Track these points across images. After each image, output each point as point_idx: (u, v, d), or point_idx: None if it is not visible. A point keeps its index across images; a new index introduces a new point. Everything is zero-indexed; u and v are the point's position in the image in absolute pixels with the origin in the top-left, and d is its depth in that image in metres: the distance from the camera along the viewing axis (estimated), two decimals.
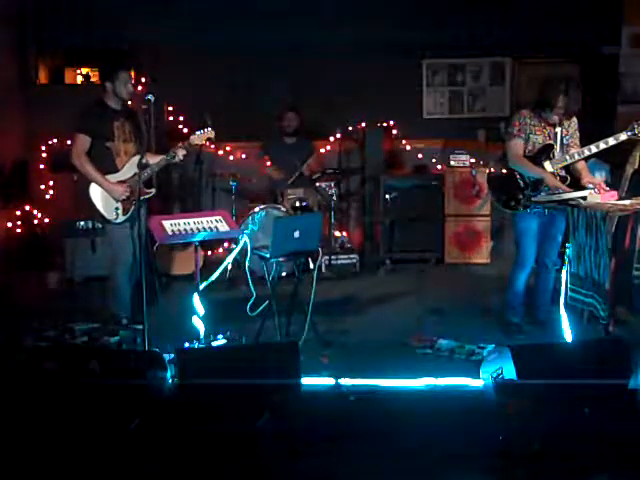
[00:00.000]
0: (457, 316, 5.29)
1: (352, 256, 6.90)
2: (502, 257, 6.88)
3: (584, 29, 7.51)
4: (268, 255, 4.58)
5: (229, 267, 5.77)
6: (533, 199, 4.63)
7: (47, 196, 7.26)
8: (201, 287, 4.50)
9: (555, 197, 4.53)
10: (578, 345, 4.17)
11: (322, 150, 7.61)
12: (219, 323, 4.73)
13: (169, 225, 4.36)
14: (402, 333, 4.83)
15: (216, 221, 4.50)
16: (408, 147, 7.88)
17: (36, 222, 7.15)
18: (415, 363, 4.34)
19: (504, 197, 4.77)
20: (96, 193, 4.88)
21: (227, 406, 3.43)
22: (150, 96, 4.44)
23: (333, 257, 6.81)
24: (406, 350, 4.59)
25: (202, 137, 4.90)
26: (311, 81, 7.42)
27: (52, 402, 3.42)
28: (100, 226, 5.37)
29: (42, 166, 7.31)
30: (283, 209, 6.51)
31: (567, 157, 4.61)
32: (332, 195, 6.91)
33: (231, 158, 7.66)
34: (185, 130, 7.11)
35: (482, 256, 7.17)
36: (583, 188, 4.53)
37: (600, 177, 5.00)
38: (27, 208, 7.14)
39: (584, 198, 4.35)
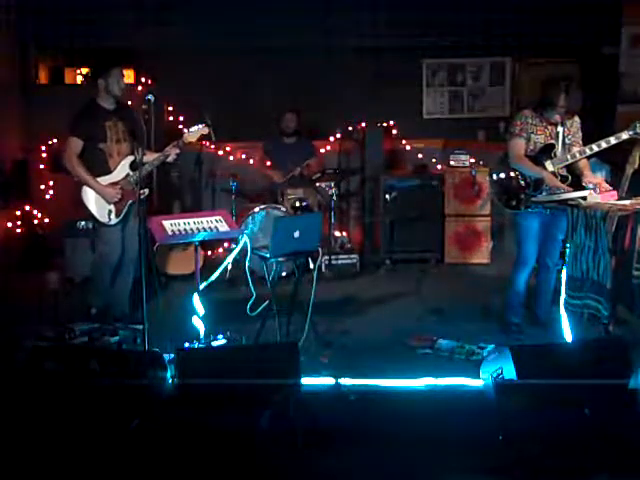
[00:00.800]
0: (457, 316, 5.29)
1: (352, 256, 6.90)
2: (502, 257, 6.87)
3: (584, 29, 7.51)
4: (268, 255, 4.58)
5: (229, 267, 5.78)
6: (533, 199, 4.64)
7: (47, 196, 7.26)
8: (201, 287, 4.50)
9: (555, 197, 4.53)
10: (578, 345, 4.17)
11: (322, 150, 7.61)
12: (219, 323, 4.72)
13: (169, 225, 4.36)
14: (402, 333, 4.83)
15: (216, 221, 4.50)
16: (408, 147, 7.88)
17: (36, 222, 7.15)
18: (415, 363, 4.34)
19: (505, 197, 4.77)
20: (89, 196, 4.90)
21: (227, 406, 3.43)
22: (150, 96, 4.44)
23: (333, 257, 6.81)
24: (406, 350, 4.60)
25: (195, 135, 4.88)
26: (311, 81, 7.42)
27: (52, 402, 3.42)
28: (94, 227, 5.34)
29: (42, 166, 7.31)
30: (283, 209, 6.51)
31: (568, 156, 4.61)
32: (332, 195, 6.91)
33: (231, 158, 7.66)
34: (185, 130, 7.09)
35: (482, 256, 7.16)
36: (584, 188, 4.53)
37: (600, 176, 4.99)
38: (27, 208, 7.14)
39: (584, 198, 4.35)
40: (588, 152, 4.57)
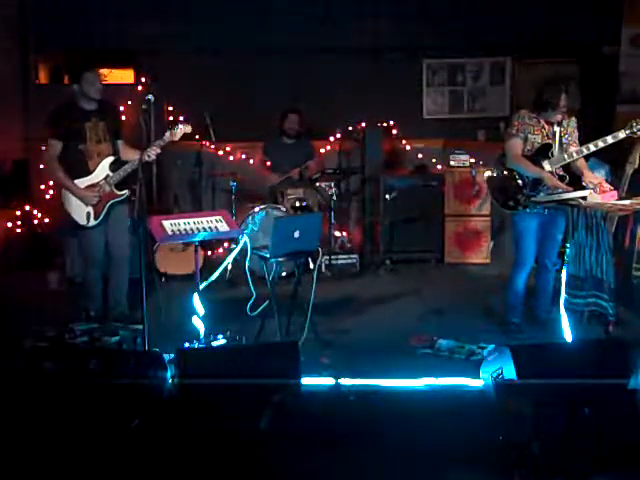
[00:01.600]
0: (457, 316, 5.29)
1: (352, 256, 6.90)
2: (502, 257, 6.88)
3: (584, 29, 7.52)
4: (268, 255, 4.58)
5: (229, 267, 5.78)
6: (533, 199, 4.64)
7: (47, 196, 7.26)
8: (201, 287, 4.50)
9: (555, 197, 4.53)
10: (578, 345, 4.17)
11: (322, 150, 7.62)
12: (219, 323, 4.72)
13: (169, 225, 4.36)
14: (402, 333, 4.83)
15: (216, 221, 4.50)
16: (408, 147, 7.89)
17: (36, 222, 7.15)
18: (415, 363, 4.34)
19: (503, 197, 4.77)
20: (67, 198, 4.90)
21: (227, 406, 3.43)
22: (150, 96, 4.44)
23: (333, 257, 6.81)
24: (406, 350, 4.59)
25: (177, 133, 4.84)
26: (311, 81, 7.43)
27: (52, 402, 3.42)
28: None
29: (42, 166, 7.31)
30: (283, 209, 6.51)
31: (565, 156, 4.61)
32: (332, 195, 6.91)
33: (231, 158, 7.66)
34: (190, 129, 7.10)
35: (482, 256, 7.17)
36: (584, 188, 4.53)
37: (601, 176, 4.99)
38: (27, 208, 7.14)
39: (584, 198, 4.35)
40: (585, 151, 4.56)
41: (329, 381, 3.94)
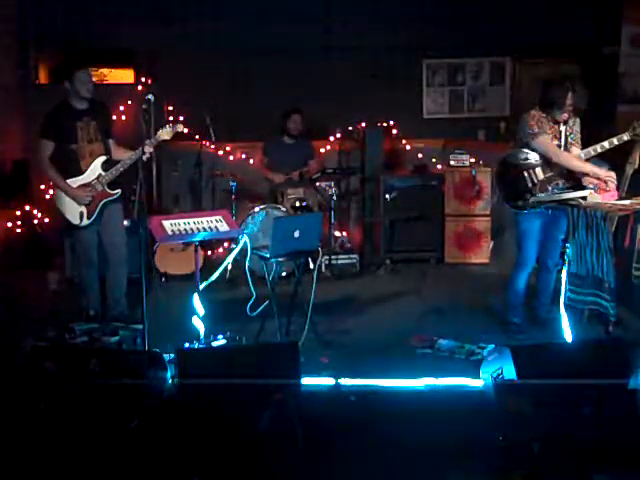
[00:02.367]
0: (457, 316, 5.29)
1: (352, 256, 6.90)
2: (502, 257, 6.87)
3: (584, 29, 7.52)
4: (268, 255, 4.58)
5: (229, 267, 5.78)
6: (533, 199, 4.63)
7: (47, 196, 7.25)
8: (201, 287, 4.50)
9: (555, 197, 4.53)
10: (578, 345, 4.17)
11: (322, 150, 7.62)
12: (219, 323, 4.73)
13: (169, 225, 4.36)
14: (402, 333, 4.83)
15: (216, 221, 4.50)
16: (408, 147, 7.88)
17: (36, 222, 7.15)
18: (415, 363, 4.34)
19: (512, 196, 4.74)
20: (60, 198, 4.91)
21: (227, 406, 3.43)
22: (150, 96, 4.44)
23: (333, 257, 6.81)
24: (406, 350, 4.59)
25: (170, 132, 4.83)
26: (311, 81, 7.42)
27: (52, 402, 3.42)
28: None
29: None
30: (283, 209, 6.51)
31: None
32: (332, 195, 6.91)
33: (231, 158, 7.66)
34: (185, 130, 7.10)
35: (482, 256, 7.16)
36: (584, 188, 4.53)
37: (606, 170, 4.95)
38: (27, 208, 7.14)
39: (584, 198, 4.35)
40: (592, 153, 4.58)
41: (329, 381, 3.94)
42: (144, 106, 4.45)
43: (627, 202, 4.32)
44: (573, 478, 3.04)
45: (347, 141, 7.65)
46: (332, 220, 6.98)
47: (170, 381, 3.66)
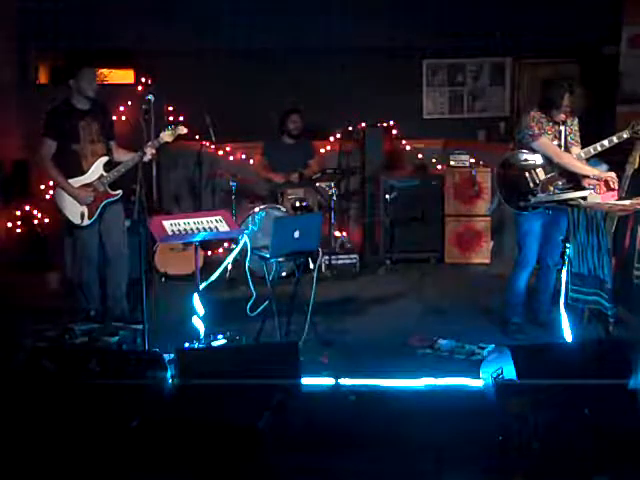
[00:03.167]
0: (457, 316, 5.29)
1: (352, 256, 6.90)
2: (502, 257, 6.88)
3: (584, 29, 7.51)
4: (268, 255, 4.58)
5: (229, 267, 5.78)
6: (533, 199, 4.63)
7: (47, 196, 7.25)
8: (201, 287, 4.50)
9: (555, 197, 4.53)
10: (578, 345, 4.18)
11: (322, 150, 7.61)
12: (219, 323, 4.73)
13: (169, 225, 4.36)
14: (402, 333, 4.83)
15: (216, 221, 4.50)
16: (408, 147, 7.88)
17: (36, 222, 7.14)
18: (415, 363, 4.34)
19: (514, 197, 4.74)
20: (61, 197, 4.91)
21: (227, 406, 3.43)
22: (150, 96, 4.44)
23: (333, 257, 6.81)
24: (406, 350, 4.59)
25: (172, 134, 4.84)
26: (311, 81, 7.42)
27: (52, 402, 3.42)
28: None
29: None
30: (283, 209, 6.51)
31: (575, 156, 4.62)
32: (332, 195, 6.91)
33: (231, 158, 7.66)
34: (185, 130, 7.11)
35: (482, 256, 7.16)
36: (584, 188, 4.53)
37: (606, 170, 4.95)
38: (27, 208, 7.14)
39: (584, 198, 4.35)
40: (592, 152, 4.58)
41: (329, 381, 3.94)
42: (144, 106, 4.46)
43: (627, 202, 4.32)
44: (573, 478, 3.04)
45: (347, 141, 7.64)
46: (332, 220, 6.98)
47: (170, 381, 3.66)
